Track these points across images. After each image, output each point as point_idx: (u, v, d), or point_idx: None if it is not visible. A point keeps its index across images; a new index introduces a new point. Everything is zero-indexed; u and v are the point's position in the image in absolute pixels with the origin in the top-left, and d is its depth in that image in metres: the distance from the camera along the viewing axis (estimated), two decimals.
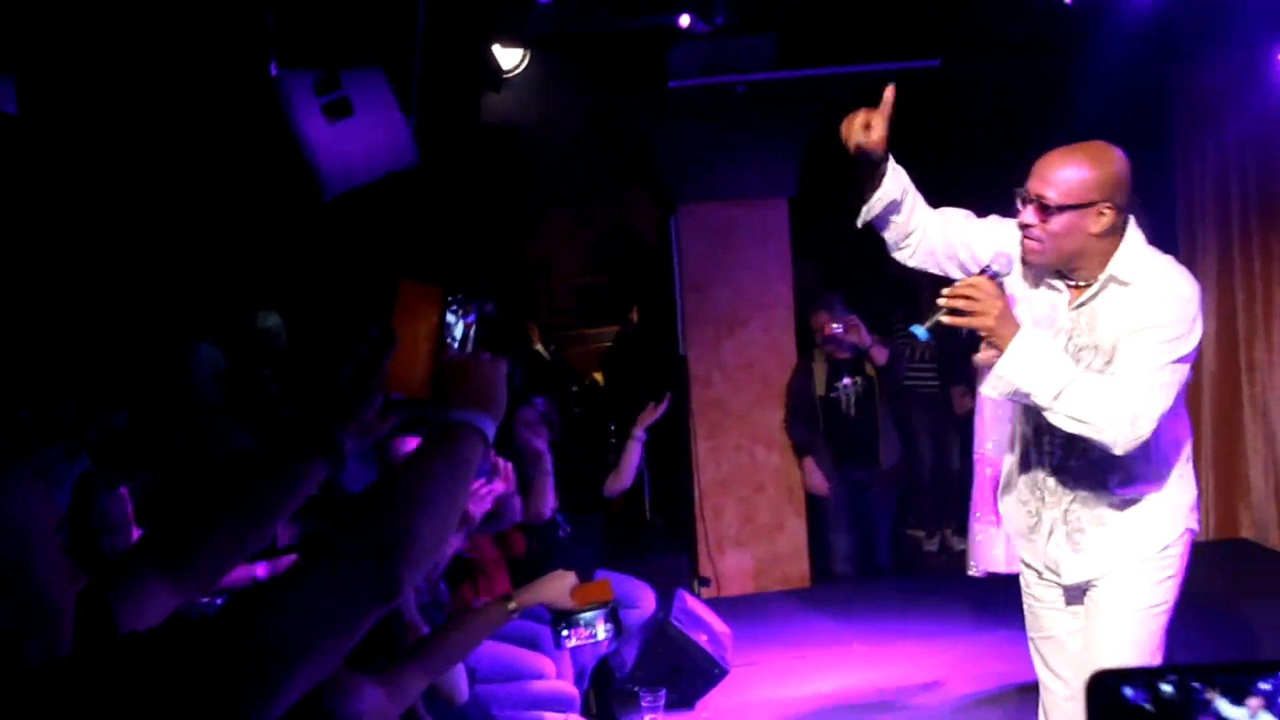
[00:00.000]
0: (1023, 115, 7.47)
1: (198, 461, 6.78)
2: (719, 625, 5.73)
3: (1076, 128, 7.04)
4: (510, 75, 6.57)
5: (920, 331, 3.18)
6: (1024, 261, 3.28)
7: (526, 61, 6.54)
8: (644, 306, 9.32)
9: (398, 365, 1.88)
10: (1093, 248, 3.15)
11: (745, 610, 6.73)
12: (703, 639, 5.46)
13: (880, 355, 6.79)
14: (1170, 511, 3.24)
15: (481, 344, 2.01)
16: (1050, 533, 3.35)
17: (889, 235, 3.53)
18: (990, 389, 3.26)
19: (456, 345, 1.92)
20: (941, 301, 3.12)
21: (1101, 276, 3.17)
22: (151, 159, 6.55)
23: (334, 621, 1.51)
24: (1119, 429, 3.03)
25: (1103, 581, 3.26)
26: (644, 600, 5.54)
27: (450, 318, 1.92)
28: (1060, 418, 3.07)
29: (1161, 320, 3.05)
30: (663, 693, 5.17)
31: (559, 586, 3.59)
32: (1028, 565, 3.49)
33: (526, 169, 8.71)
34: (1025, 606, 3.54)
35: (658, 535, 8.08)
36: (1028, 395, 3.09)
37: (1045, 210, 3.12)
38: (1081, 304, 3.21)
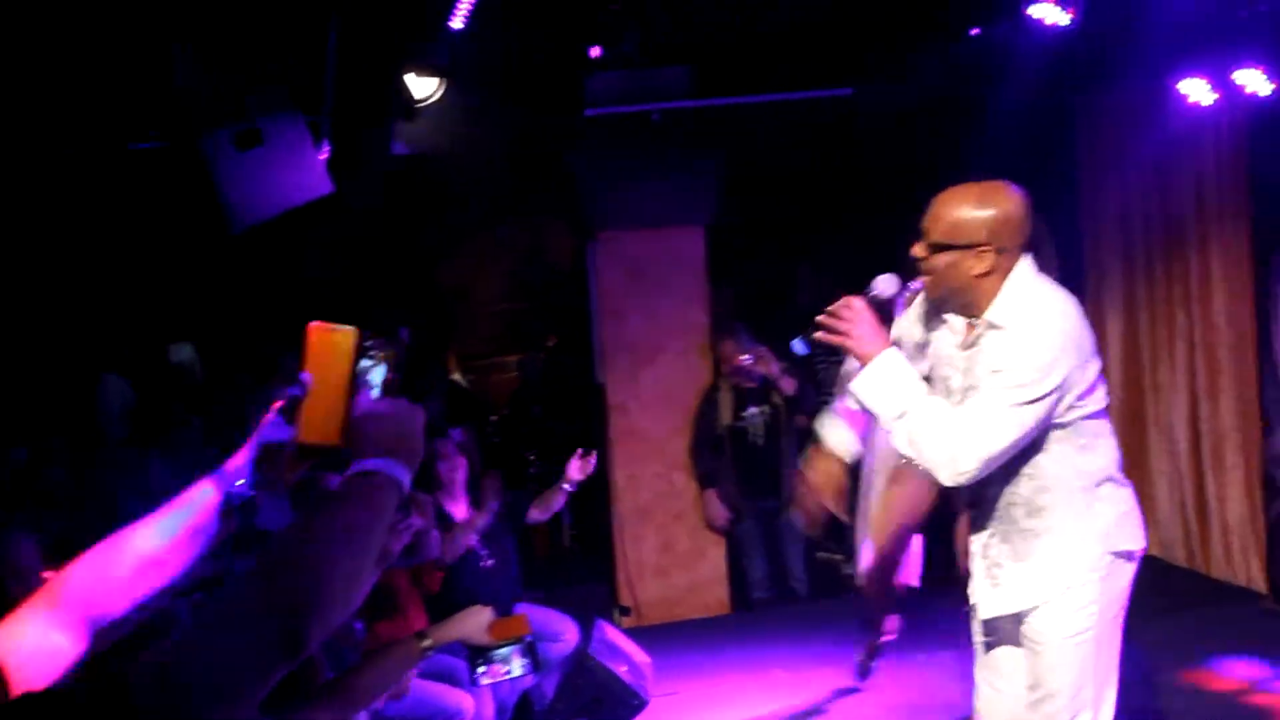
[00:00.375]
0: (933, 144, 7.59)
1: (106, 496, 6.64)
2: (639, 655, 5.69)
3: (986, 156, 7.22)
4: (425, 104, 6.53)
5: (798, 346, 3.28)
6: (926, 296, 3.37)
7: (442, 90, 6.50)
8: (562, 334, 9.31)
9: (310, 412, 1.82)
10: (977, 287, 3.16)
11: (666, 639, 6.70)
12: (622, 670, 5.42)
13: (789, 385, 6.83)
14: (1083, 540, 3.21)
15: (400, 375, 1.98)
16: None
17: None
18: (849, 401, 3.38)
19: (374, 391, 1.88)
20: (819, 319, 3.21)
21: (981, 321, 3.21)
22: (56, 189, 6.42)
23: (241, 677, 1.48)
24: (940, 462, 3.08)
25: (1031, 615, 3.25)
26: (565, 633, 5.50)
27: (367, 362, 1.88)
28: (898, 439, 3.14)
29: (1013, 364, 3.07)
30: None
31: (475, 622, 3.55)
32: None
33: (443, 197, 8.66)
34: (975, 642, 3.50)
35: (578, 565, 8.04)
36: (873, 412, 3.17)
37: (930, 247, 3.17)
38: (968, 345, 3.26)
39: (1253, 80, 5.69)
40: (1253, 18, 5.66)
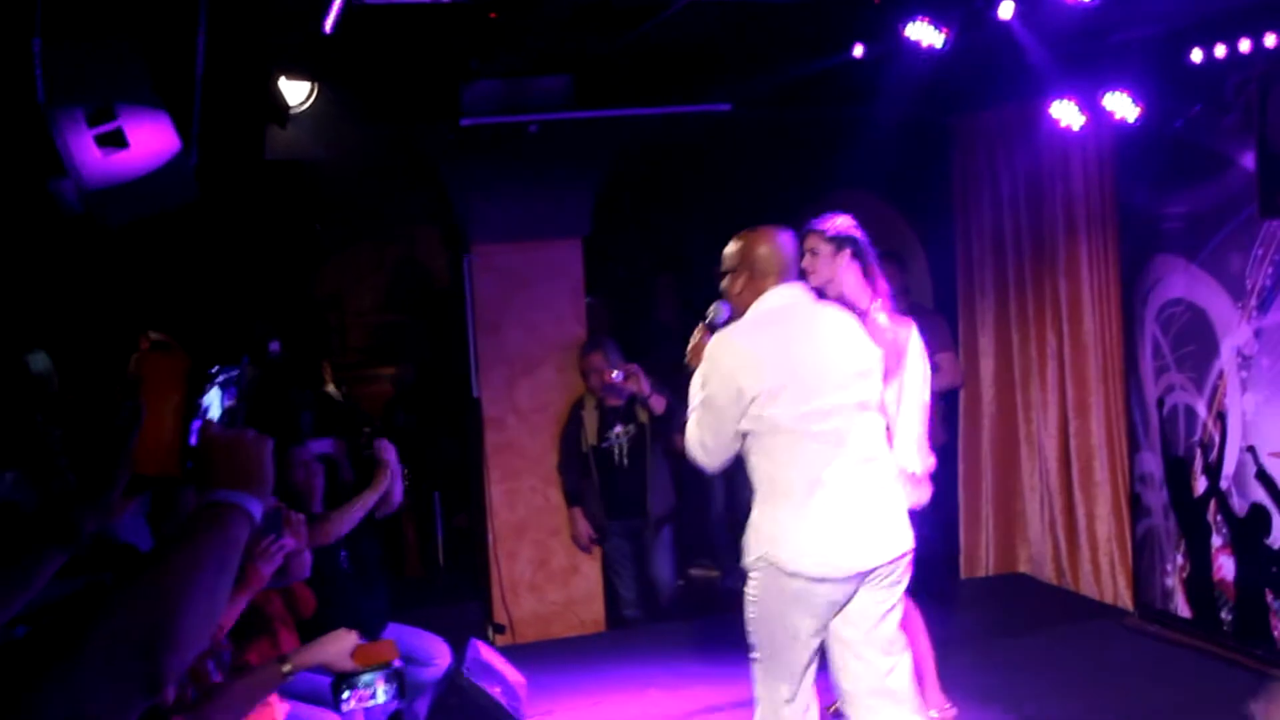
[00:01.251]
0: (812, 161, 7.65)
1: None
2: (513, 675, 5.62)
3: (862, 174, 7.33)
4: (298, 110, 6.36)
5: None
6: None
7: (315, 95, 6.34)
8: (437, 345, 9.16)
9: (146, 441, 1.78)
10: (740, 304, 4.08)
11: (541, 656, 6.64)
12: (496, 690, 5.34)
13: (659, 404, 6.67)
14: (754, 531, 3.96)
15: (244, 403, 1.92)
16: None
17: None
18: None
19: (217, 418, 1.80)
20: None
21: None
22: None
23: (101, 714, 1.47)
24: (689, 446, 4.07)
25: None
26: (437, 655, 5.37)
27: (212, 390, 1.80)
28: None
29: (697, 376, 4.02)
30: None
31: (338, 648, 3.44)
32: None
33: (316, 204, 8.47)
34: None
35: (451, 582, 7.91)
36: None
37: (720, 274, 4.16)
38: None
39: (1120, 105, 5.83)
40: (1121, 44, 5.81)
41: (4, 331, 7.87)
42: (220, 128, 5.63)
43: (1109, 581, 6.75)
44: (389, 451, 5.44)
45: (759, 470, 3.94)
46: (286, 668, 3.27)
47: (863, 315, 4.62)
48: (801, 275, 4.33)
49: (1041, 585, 7.26)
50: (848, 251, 4.77)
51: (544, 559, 7.18)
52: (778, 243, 4.07)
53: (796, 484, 3.86)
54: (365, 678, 3.37)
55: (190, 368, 1.80)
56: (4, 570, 1.78)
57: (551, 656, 6.70)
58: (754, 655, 4.08)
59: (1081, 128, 6.19)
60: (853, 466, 3.90)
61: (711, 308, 4.19)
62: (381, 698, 3.37)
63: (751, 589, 3.99)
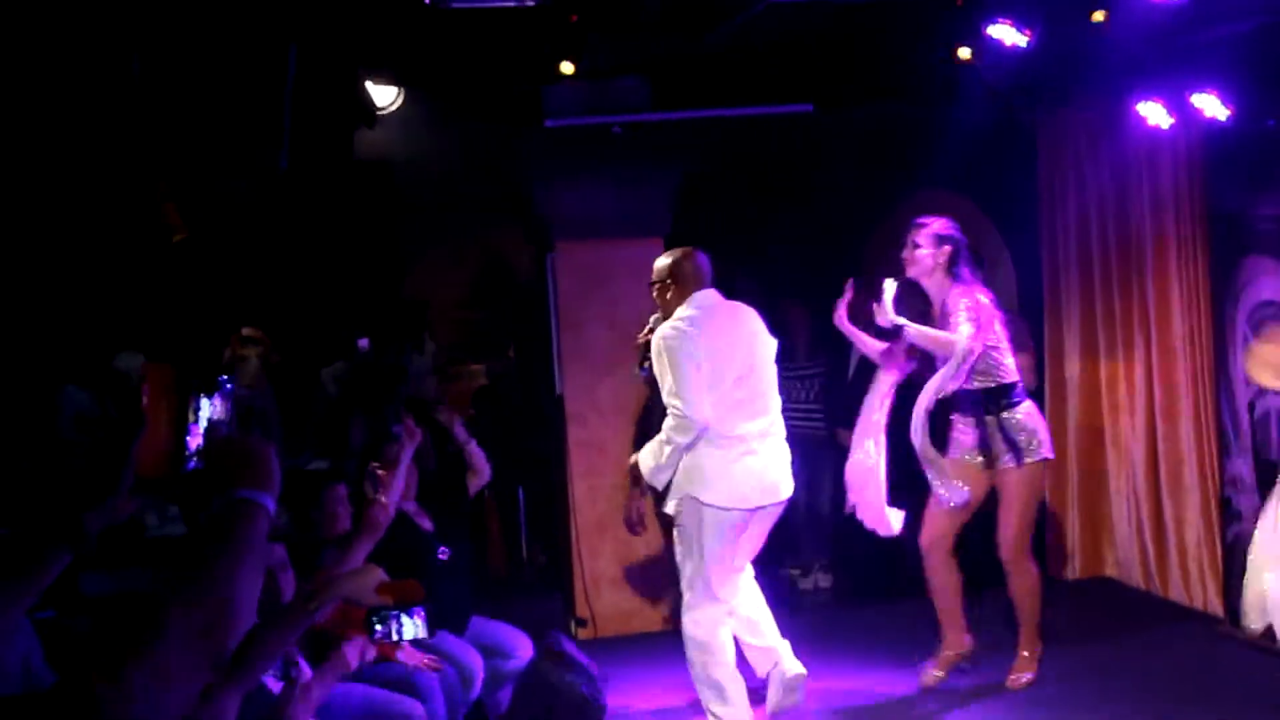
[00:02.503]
0: (895, 161, 7.62)
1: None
2: (594, 668, 5.67)
3: (947, 174, 7.28)
4: (385, 112, 6.50)
5: (641, 372, 5.53)
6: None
7: (401, 98, 6.47)
8: (521, 343, 9.27)
9: (144, 447, 1.94)
10: (668, 308, 5.30)
11: (622, 651, 6.68)
12: (578, 681, 5.40)
13: None
14: (683, 472, 5.21)
15: (235, 409, 2.08)
16: None
17: None
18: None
19: (215, 423, 1.97)
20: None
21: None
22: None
23: (177, 698, 1.73)
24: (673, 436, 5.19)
25: None
26: (519, 648, 5.47)
27: (204, 398, 1.96)
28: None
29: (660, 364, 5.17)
30: None
31: (363, 581, 3.48)
32: None
33: (403, 205, 8.62)
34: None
35: (535, 578, 8.00)
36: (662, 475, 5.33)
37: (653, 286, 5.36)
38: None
39: (1209, 105, 5.74)
40: (1208, 43, 5.71)
41: (102, 332, 8.12)
42: (311, 130, 5.77)
43: (1198, 587, 6.64)
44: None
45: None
46: (312, 604, 3.34)
47: (946, 309, 5.30)
48: (901, 267, 5.43)
49: (1129, 589, 7.15)
50: (947, 249, 5.34)
51: (626, 554, 7.23)
52: (699, 259, 5.30)
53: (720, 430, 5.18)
54: (392, 612, 3.42)
55: (178, 377, 1.92)
56: (17, 568, 1.93)
57: (633, 650, 6.74)
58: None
59: (1170, 127, 6.10)
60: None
61: (653, 319, 5.41)
62: (411, 632, 3.42)
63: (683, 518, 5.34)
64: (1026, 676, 5.59)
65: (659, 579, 7.27)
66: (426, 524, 5.44)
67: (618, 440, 7.20)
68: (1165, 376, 6.74)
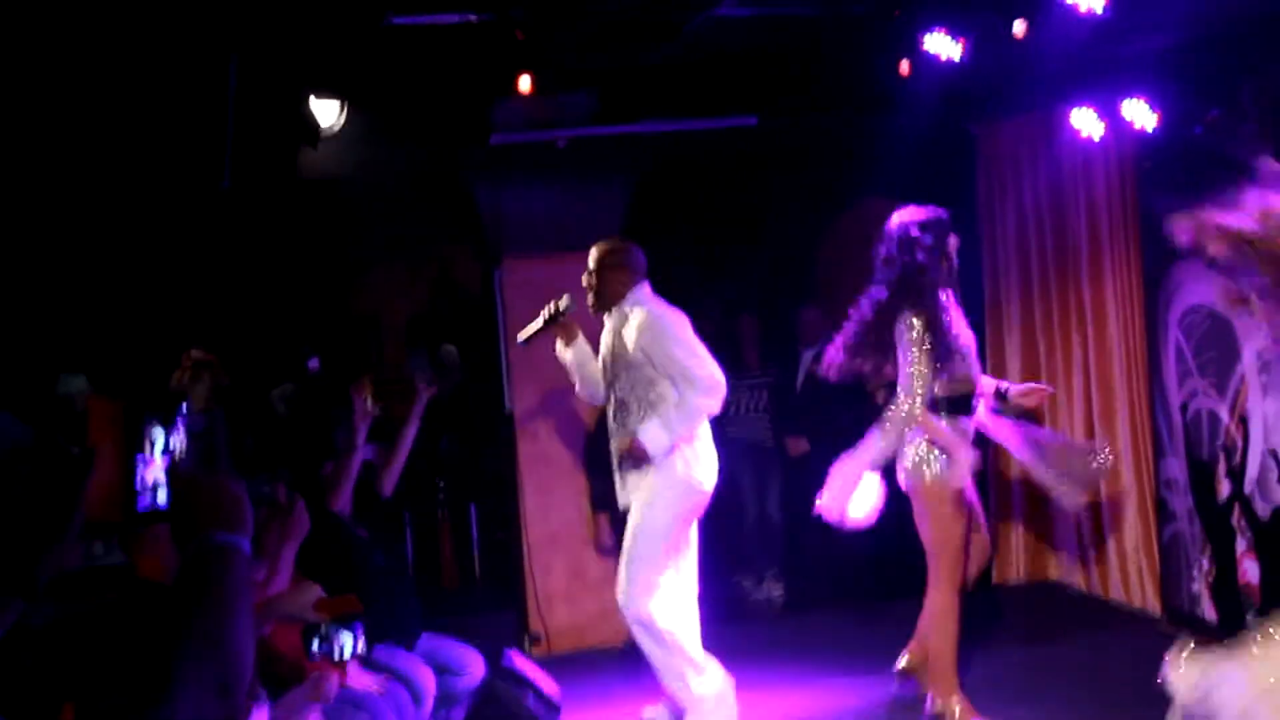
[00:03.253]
0: (839, 171, 7.71)
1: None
2: (548, 685, 5.68)
3: (890, 185, 7.38)
4: (329, 130, 6.48)
5: (521, 342, 5.82)
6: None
7: (345, 116, 6.46)
8: (472, 360, 9.26)
9: (97, 488, 1.85)
10: (611, 294, 5.50)
11: (576, 667, 6.67)
12: (531, 700, 5.41)
13: None
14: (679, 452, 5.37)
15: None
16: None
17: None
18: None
19: (174, 455, 1.89)
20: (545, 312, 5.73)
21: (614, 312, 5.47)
22: None
23: None
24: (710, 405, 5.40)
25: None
26: (472, 665, 5.42)
27: (158, 431, 1.87)
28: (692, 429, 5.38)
29: (670, 335, 5.35)
30: None
31: (301, 599, 3.50)
32: None
33: (350, 222, 8.60)
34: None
35: (487, 594, 8.00)
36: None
37: (593, 275, 5.57)
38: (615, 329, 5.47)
39: (1138, 113, 5.87)
40: (1136, 54, 5.85)
41: (42, 354, 8.02)
42: (253, 148, 5.76)
43: (1137, 588, 6.75)
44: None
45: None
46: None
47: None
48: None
49: (1072, 592, 7.27)
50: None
51: (579, 569, 7.25)
52: (640, 251, 5.55)
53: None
54: (332, 628, 3.44)
55: (126, 409, 1.86)
56: None
57: (586, 667, 6.74)
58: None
59: (1102, 136, 6.23)
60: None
61: (565, 301, 5.61)
62: (350, 647, 3.44)
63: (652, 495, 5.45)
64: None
65: (612, 594, 7.27)
66: (361, 532, 5.44)
67: (569, 455, 7.22)
68: (1102, 379, 6.87)
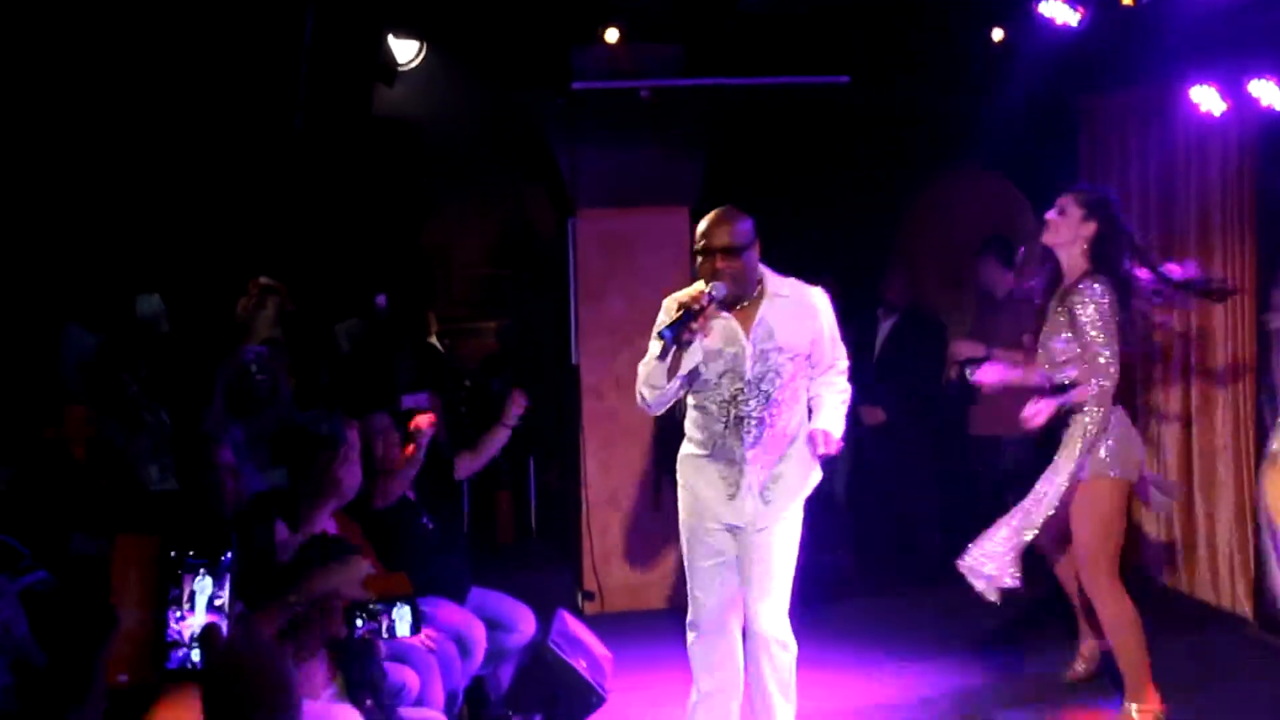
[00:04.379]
0: (930, 137, 7.41)
1: (63, 453, 6.43)
2: (599, 649, 5.55)
3: (985, 152, 7.06)
4: (406, 68, 6.30)
5: (666, 334, 4.33)
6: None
7: (423, 55, 6.28)
8: (539, 304, 9.09)
9: (118, 648, 1.57)
10: (748, 275, 4.46)
11: (628, 627, 6.59)
12: (581, 665, 5.28)
13: None
14: (810, 457, 4.56)
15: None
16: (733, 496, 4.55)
17: None
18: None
19: (197, 607, 1.58)
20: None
21: (752, 299, 4.49)
22: (20, 132, 6.18)
23: None
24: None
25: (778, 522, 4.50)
26: (523, 622, 5.35)
27: (198, 578, 1.57)
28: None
29: (823, 323, 4.59)
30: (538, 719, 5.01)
31: (349, 575, 3.33)
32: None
33: (423, 162, 8.44)
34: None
35: (542, 550, 7.89)
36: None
37: (728, 254, 4.40)
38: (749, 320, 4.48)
39: (1266, 92, 5.51)
40: (1268, 25, 5.47)
41: (118, 277, 7.98)
42: (328, 87, 5.60)
43: (1227, 587, 6.47)
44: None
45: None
46: (294, 597, 3.19)
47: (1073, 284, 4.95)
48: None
49: (1154, 585, 6.98)
50: (1094, 225, 4.99)
51: (637, 529, 7.10)
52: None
53: None
54: (382, 606, 3.27)
55: (161, 546, 1.56)
56: None
57: (640, 628, 6.63)
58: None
59: (1222, 114, 5.87)
60: None
61: (711, 285, 4.38)
62: (402, 630, 3.26)
63: (801, 510, 4.62)
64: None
65: (668, 556, 7.14)
66: (410, 494, 5.32)
67: (633, 414, 7.01)
68: (1203, 370, 6.55)
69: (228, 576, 1.57)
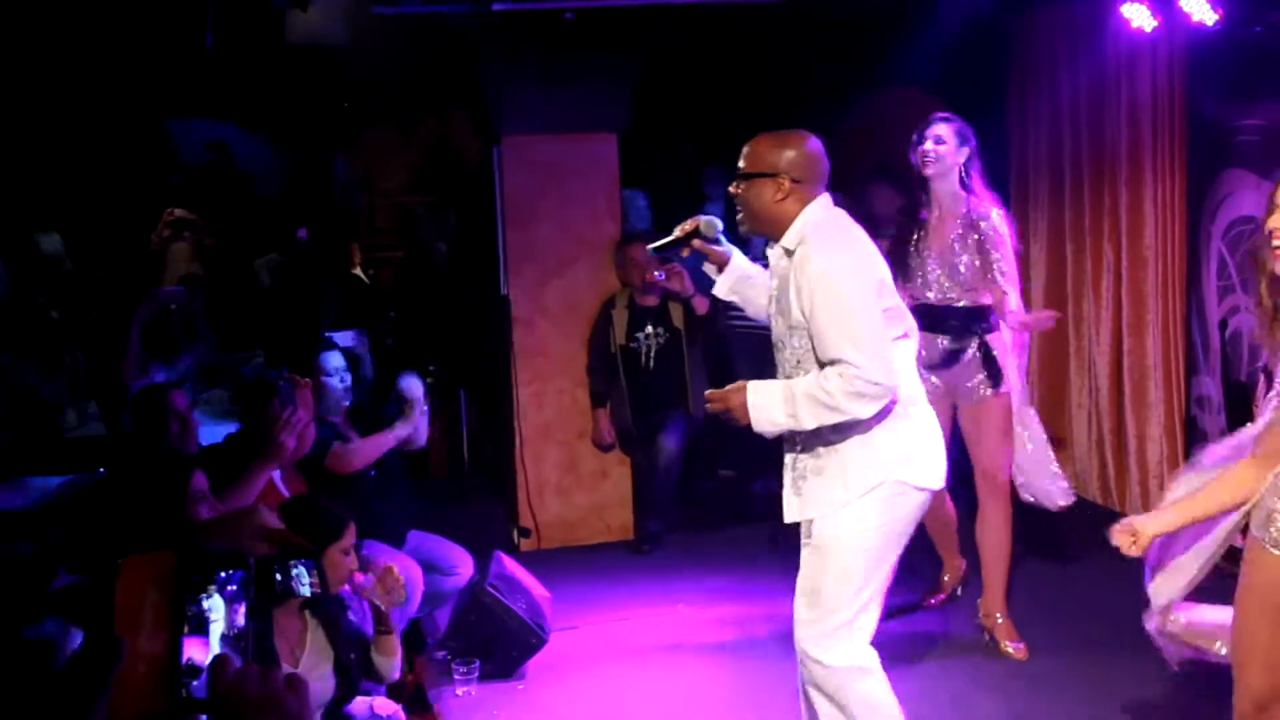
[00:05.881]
0: (862, 56, 7.29)
1: None
2: (538, 589, 5.48)
3: (914, 71, 6.96)
4: None
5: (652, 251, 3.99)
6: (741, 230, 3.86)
7: None
8: (466, 233, 8.89)
9: (132, 673, 1.44)
10: (777, 214, 3.64)
11: (566, 564, 6.51)
12: (520, 606, 5.21)
13: (701, 305, 6.52)
14: (868, 463, 3.62)
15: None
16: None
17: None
18: (765, 431, 3.64)
19: (214, 630, 1.46)
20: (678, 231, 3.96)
21: (777, 248, 3.71)
22: None
23: None
24: (863, 407, 3.49)
25: (817, 522, 3.69)
26: (460, 565, 5.27)
27: (213, 599, 1.45)
28: (821, 425, 3.55)
29: (835, 296, 3.49)
30: (477, 664, 4.94)
31: (245, 525, 3.18)
32: None
33: (340, 88, 8.17)
34: None
35: (475, 485, 7.77)
36: (792, 429, 3.59)
37: (739, 179, 3.69)
38: (776, 276, 3.75)
39: (1197, 7, 5.43)
40: None
41: (18, 212, 7.67)
42: (238, 10, 5.35)
43: (1157, 504, 6.51)
44: (417, 389, 5.23)
45: None
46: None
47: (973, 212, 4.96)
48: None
49: (1086, 504, 7.02)
50: (967, 149, 4.96)
51: (572, 462, 7.01)
52: (821, 148, 3.72)
53: (904, 393, 3.65)
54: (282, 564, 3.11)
55: (178, 567, 1.44)
56: None
57: (577, 564, 6.58)
58: (856, 589, 3.65)
59: (1153, 30, 5.80)
60: None
61: (704, 221, 3.91)
62: (302, 588, 3.11)
63: (872, 516, 3.63)
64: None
65: (603, 491, 7.06)
66: (352, 435, 5.16)
67: (566, 346, 6.92)
68: (1134, 290, 6.54)
69: (242, 600, 1.44)
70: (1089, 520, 6.84)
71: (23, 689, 1.56)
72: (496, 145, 6.83)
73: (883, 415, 3.57)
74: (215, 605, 1.46)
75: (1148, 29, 5.83)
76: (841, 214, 3.71)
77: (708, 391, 3.73)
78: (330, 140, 9.61)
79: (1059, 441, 7.22)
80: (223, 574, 1.45)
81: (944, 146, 4.95)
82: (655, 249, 4.09)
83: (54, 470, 5.71)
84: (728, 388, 3.64)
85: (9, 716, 1.56)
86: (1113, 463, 6.86)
